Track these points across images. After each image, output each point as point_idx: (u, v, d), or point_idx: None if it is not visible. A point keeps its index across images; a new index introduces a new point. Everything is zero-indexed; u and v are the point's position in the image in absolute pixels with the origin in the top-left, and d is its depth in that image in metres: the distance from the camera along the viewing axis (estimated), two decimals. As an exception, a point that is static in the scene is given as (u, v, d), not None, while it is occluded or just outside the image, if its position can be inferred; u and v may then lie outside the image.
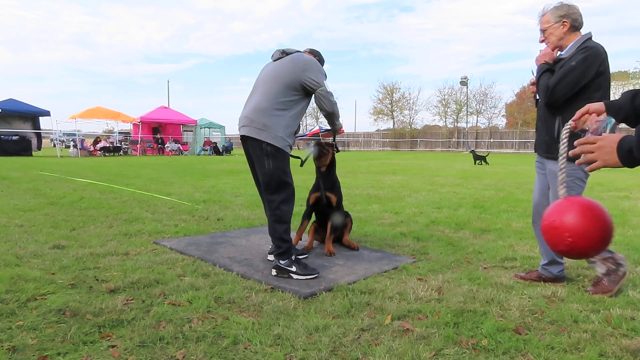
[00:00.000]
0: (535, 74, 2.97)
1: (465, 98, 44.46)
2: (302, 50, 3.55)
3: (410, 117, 49.83)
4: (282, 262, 3.16)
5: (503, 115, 47.82)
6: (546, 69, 2.85)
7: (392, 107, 50.46)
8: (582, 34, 2.84)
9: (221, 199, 6.99)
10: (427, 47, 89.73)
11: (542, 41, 2.94)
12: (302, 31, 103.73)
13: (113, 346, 2.07)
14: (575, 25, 2.82)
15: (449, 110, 46.62)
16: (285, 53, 3.44)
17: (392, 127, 49.81)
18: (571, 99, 2.74)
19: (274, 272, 3.18)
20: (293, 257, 3.21)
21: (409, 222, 5.20)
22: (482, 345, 2.11)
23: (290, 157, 3.37)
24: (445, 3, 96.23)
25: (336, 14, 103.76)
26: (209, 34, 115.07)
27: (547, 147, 2.92)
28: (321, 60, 3.65)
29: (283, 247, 3.19)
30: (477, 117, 45.80)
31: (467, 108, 44.46)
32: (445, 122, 47.00)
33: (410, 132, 46.14)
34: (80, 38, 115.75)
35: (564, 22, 2.81)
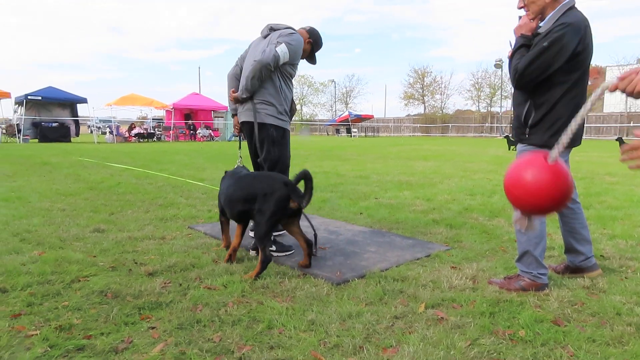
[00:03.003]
0: (512, 47, 2.65)
1: (500, 81, 43.18)
2: (294, 28, 3.41)
3: (442, 102, 48.90)
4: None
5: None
6: (521, 44, 2.51)
7: (423, 92, 49.59)
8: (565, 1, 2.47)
9: (252, 184, 7.06)
10: (461, 29, 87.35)
11: (520, 7, 2.59)
12: (334, 14, 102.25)
13: (153, 327, 2.13)
14: None
15: (482, 94, 45.45)
16: (272, 29, 3.37)
17: (422, 112, 49.02)
18: (543, 82, 2.47)
19: (253, 253, 3.31)
20: (272, 238, 3.25)
21: (442, 209, 5.13)
22: (519, 336, 2.07)
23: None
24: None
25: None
26: (240, 19, 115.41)
27: (516, 133, 2.71)
28: (317, 42, 3.53)
29: None
30: (512, 101, 44.46)
31: (501, 92, 43.21)
32: (479, 106, 45.88)
33: (442, 117, 45.32)
34: (115, 25, 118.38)
35: None
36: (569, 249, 2.88)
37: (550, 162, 1.52)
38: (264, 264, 2.79)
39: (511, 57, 2.58)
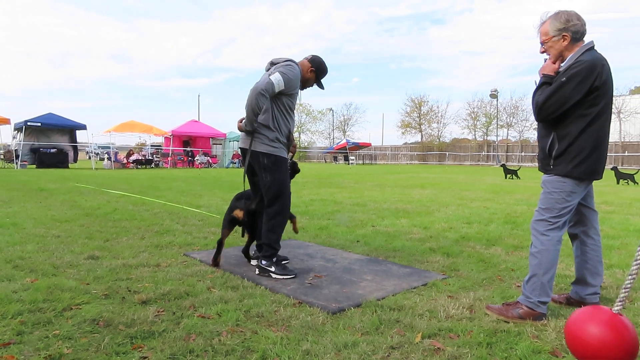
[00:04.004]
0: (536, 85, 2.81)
1: (495, 111, 43.77)
2: (293, 60, 3.54)
3: (439, 130, 49.36)
4: (263, 262, 3.48)
5: (535, 129, 46.68)
6: (543, 83, 2.68)
7: (420, 120, 50.12)
8: (585, 42, 2.64)
9: (249, 211, 7.04)
10: (457, 60, 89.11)
11: (542, 52, 2.77)
12: (332, 44, 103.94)
13: (144, 357, 2.09)
14: (576, 37, 2.62)
15: (478, 123, 45.94)
16: (273, 64, 3.55)
17: (420, 140, 49.43)
18: (563, 115, 2.60)
19: (257, 271, 3.52)
20: (274, 259, 3.50)
21: (439, 237, 5.12)
22: (517, 367, 2.03)
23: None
24: (477, 15, 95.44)
25: (367, 27, 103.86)
26: (241, 49, 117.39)
27: (541, 164, 2.80)
28: (320, 69, 3.66)
29: (269, 252, 3.48)
30: (508, 130, 44.92)
31: (497, 121, 43.73)
32: (475, 135, 46.31)
33: (439, 145, 45.68)
34: (118, 53, 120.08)
35: (564, 35, 2.62)
36: (580, 280, 2.87)
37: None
38: (218, 246, 3.70)
39: (534, 94, 2.72)
